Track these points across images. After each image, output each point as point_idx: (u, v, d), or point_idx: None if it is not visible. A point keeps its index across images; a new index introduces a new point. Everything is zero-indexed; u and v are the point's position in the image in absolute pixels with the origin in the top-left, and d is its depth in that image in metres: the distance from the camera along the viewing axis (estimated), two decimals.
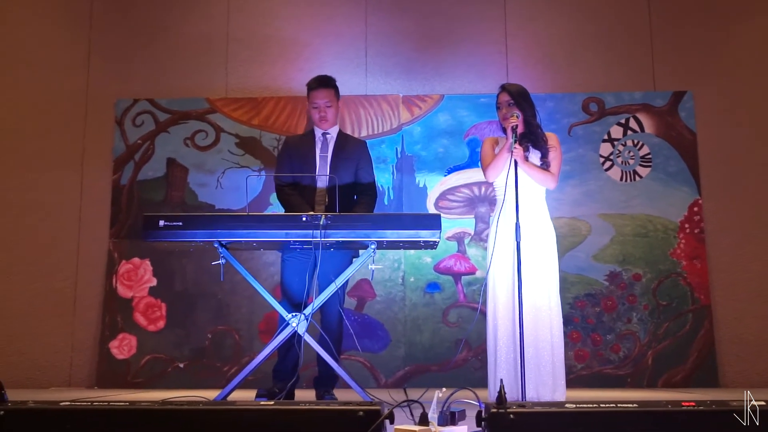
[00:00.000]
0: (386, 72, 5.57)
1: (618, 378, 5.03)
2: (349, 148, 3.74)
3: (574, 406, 1.80)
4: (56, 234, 5.36)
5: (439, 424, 1.88)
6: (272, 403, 1.85)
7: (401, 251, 5.16)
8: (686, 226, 5.20)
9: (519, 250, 3.27)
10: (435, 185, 5.34)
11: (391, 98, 5.47)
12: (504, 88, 3.66)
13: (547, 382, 3.40)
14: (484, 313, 3.65)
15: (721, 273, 5.17)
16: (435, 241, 3.14)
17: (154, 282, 5.25)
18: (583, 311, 5.13)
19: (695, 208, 5.22)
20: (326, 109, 3.70)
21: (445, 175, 5.36)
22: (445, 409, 1.92)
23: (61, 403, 1.89)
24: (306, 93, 3.83)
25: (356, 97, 5.45)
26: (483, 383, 3.64)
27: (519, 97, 3.61)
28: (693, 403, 1.81)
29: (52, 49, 5.63)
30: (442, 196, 5.34)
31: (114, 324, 5.19)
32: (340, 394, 3.57)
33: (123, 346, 5.16)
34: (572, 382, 5.01)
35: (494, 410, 1.77)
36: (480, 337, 4.99)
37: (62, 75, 5.57)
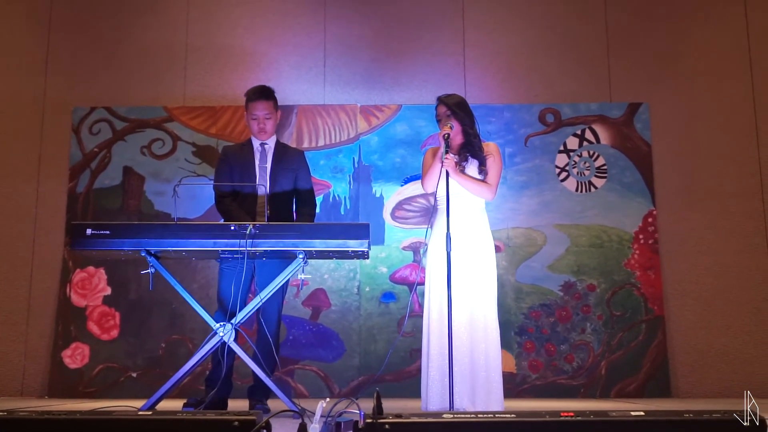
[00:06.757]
0: (345, 82, 5.57)
1: (572, 388, 5.02)
2: (288, 159, 3.74)
3: (452, 416, 1.80)
4: (11, 241, 5.34)
5: None
6: (150, 412, 1.85)
7: (357, 261, 5.15)
8: (640, 236, 5.21)
9: (449, 261, 3.26)
10: (392, 195, 5.35)
11: (349, 108, 5.47)
12: (440, 100, 3.67)
13: (481, 394, 3.39)
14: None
15: (674, 284, 5.17)
16: (364, 251, 3.14)
17: (108, 291, 5.22)
18: (538, 321, 5.13)
19: (650, 219, 5.23)
20: (265, 121, 3.70)
21: (402, 185, 5.36)
22: (329, 419, 1.91)
23: None
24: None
25: (314, 107, 5.45)
26: None
27: (456, 108, 3.61)
28: (572, 414, 1.81)
29: (10, 54, 5.61)
30: (399, 206, 5.34)
31: (67, 333, 5.16)
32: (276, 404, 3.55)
33: (76, 356, 5.13)
34: (526, 392, 5.02)
35: (370, 420, 1.76)
36: None
37: (19, 81, 5.56)
